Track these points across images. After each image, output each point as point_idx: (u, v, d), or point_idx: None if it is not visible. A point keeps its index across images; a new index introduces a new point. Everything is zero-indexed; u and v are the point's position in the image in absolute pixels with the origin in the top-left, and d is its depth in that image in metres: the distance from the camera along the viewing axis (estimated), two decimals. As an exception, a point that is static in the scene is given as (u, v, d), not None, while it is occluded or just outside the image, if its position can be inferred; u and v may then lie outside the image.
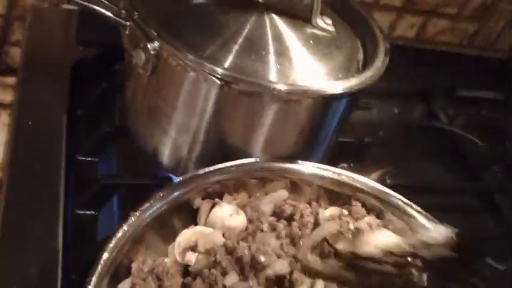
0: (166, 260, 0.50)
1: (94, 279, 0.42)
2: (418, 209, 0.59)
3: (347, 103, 0.56)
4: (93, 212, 0.61)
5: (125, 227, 0.47)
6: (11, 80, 0.78)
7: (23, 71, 0.74)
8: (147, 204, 0.49)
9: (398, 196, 0.59)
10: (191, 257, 0.50)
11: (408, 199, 0.58)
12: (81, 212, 0.61)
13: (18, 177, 0.61)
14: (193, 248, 0.51)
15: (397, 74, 0.93)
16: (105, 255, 0.44)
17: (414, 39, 1.02)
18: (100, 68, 0.75)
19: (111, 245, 0.45)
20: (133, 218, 0.47)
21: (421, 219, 0.58)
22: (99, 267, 0.43)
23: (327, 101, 0.54)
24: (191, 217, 0.54)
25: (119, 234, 0.46)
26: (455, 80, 0.99)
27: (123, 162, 0.66)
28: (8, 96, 0.77)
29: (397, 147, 0.83)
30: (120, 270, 0.47)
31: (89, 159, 0.66)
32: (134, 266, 0.48)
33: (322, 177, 0.59)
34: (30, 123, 0.68)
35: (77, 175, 0.64)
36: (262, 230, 0.56)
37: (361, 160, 0.76)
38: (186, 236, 0.51)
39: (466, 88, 0.99)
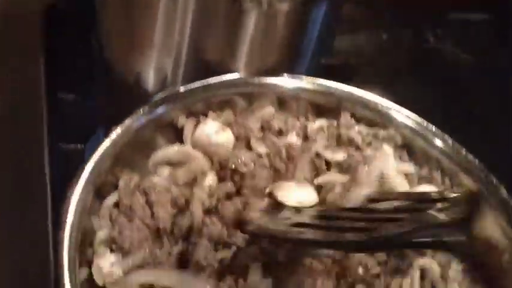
0: (155, 177, 0.49)
1: (78, 189, 0.41)
2: (409, 114, 0.58)
3: (327, 6, 0.54)
4: (79, 146, 0.60)
5: (106, 143, 0.45)
6: (-16, 28, 0.76)
7: (-4, 17, 0.71)
8: (128, 121, 0.48)
9: (387, 103, 0.58)
10: (164, 170, 0.50)
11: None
12: (67, 146, 0.59)
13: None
14: (170, 163, 0.50)
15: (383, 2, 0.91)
16: (88, 169, 0.43)
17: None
18: (73, 10, 0.73)
19: (93, 160, 0.44)
20: (114, 134, 0.46)
21: (413, 125, 0.57)
22: (82, 179, 0.42)
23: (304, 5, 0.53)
24: (176, 136, 0.53)
25: (101, 150, 0.45)
26: (444, 3, 0.97)
27: (106, 96, 0.64)
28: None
29: (386, 68, 0.81)
30: (105, 189, 0.46)
31: (71, 96, 0.64)
32: (121, 182, 0.47)
33: (309, 90, 0.57)
34: (6, 68, 0.66)
35: (59, 113, 0.63)
36: (250, 148, 0.55)
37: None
38: (167, 152, 0.50)
39: (454, 11, 0.97)
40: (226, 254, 0.42)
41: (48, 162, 0.58)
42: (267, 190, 0.48)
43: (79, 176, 0.42)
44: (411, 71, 0.82)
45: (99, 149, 0.45)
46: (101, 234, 0.43)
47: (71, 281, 0.37)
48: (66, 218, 0.40)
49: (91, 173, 0.43)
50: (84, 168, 0.43)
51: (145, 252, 0.42)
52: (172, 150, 0.50)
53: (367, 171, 0.53)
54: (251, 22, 0.52)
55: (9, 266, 0.49)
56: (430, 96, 0.76)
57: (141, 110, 0.49)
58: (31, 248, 0.50)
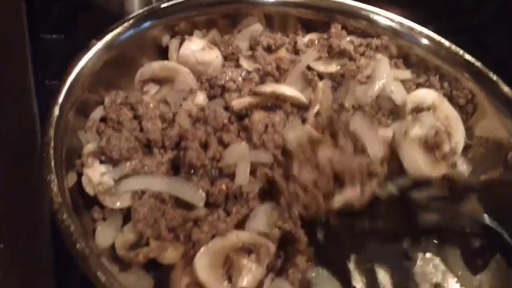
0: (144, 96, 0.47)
1: (59, 102, 0.40)
2: (403, 21, 0.56)
3: None
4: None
5: (85, 57, 0.44)
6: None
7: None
8: (108, 36, 0.46)
9: (379, 11, 0.56)
10: (151, 89, 0.48)
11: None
12: (53, 83, 0.58)
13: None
14: (156, 81, 0.48)
15: None
16: (65, 86, 0.41)
17: None
18: None
19: (71, 76, 0.42)
20: (93, 49, 0.44)
21: (407, 31, 0.55)
22: (62, 94, 0.41)
23: None
24: (161, 56, 0.51)
25: (80, 64, 0.43)
26: None
27: (90, 30, 0.62)
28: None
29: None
30: (90, 107, 0.45)
31: (54, 34, 0.63)
32: (106, 99, 0.45)
33: (297, 4, 0.55)
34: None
35: (43, 50, 0.61)
36: (239, 66, 0.54)
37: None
38: (152, 67, 0.48)
39: None
40: (216, 152, 0.40)
41: (36, 101, 0.56)
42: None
43: (59, 92, 0.41)
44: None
45: (78, 63, 0.43)
46: (89, 146, 0.41)
47: (60, 189, 0.35)
48: (48, 132, 0.38)
49: (70, 87, 0.41)
50: (65, 82, 0.41)
51: (135, 161, 0.41)
52: (157, 65, 0.48)
53: (362, 80, 0.52)
54: None
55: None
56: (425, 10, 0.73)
57: (122, 24, 0.47)
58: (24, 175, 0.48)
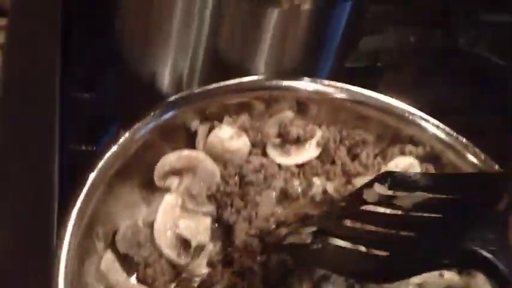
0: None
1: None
2: (439, 124, 0.54)
3: (352, 6, 0.51)
4: (90, 148, 0.58)
5: (114, 147, 0.43)
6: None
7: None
8: (138, 124, 0.45)
9: (415, 111, 0.54)
10: (173, 182, 0.47)
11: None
12: (78, 147, 0.57)
13: (10, 115, 0.58)
14: (176, 172, 0.48)
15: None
16: (91, 177, 0.41)
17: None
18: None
19: (98, 166, 0.41)
20: (122, 139, 0.44)
21: (442, 135, 0.54)
22: (84, 191, 0.40)
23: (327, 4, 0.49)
24: (189, 141, 0.50)
25: (108, 154, 0.43)
26: (476, 4, 0.92)
27: (120, 96, 0.62)
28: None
29: (414, 71, 0.77)
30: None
31: (84, 95, 0.62)
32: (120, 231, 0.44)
33: (333, 95, 0.54)
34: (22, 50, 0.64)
35: (72, 112, 0.60)
36: (266, 154, 0.53)
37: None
38: (169, 159, 0.47)
39: (487, 12, 0.93)
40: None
41: (58, 164, 0.56)
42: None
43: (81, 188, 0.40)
44: (439, 74, 0.78)
45: (104, 154, 0.42)
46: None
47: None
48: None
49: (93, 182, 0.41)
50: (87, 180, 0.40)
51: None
52: (173, 157, 0.47)
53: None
54: (271, 22, 0.49)
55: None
56: (460, 101, 0.72)
57: (152, 113, 0.46)
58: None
